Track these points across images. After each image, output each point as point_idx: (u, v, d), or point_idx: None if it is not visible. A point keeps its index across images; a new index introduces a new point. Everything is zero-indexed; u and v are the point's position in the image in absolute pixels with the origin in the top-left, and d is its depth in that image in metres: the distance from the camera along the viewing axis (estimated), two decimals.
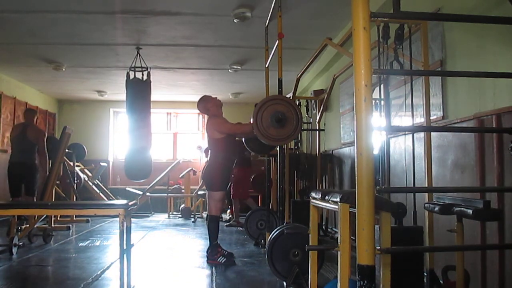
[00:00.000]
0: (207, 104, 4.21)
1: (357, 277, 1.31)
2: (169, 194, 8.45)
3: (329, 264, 3.74)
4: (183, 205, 8.47)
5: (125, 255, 2.87)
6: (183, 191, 8.62)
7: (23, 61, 6.54)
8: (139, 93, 6.00)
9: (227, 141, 4.09)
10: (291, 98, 4.27)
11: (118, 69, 6.88)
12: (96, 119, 9.92)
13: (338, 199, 1.98)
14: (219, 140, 4.08)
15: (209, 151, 4.27)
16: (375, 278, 1.31)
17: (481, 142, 2.71)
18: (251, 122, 3.71)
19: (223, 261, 4.04)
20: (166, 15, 4.70)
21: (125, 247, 2.87)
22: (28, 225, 5.03)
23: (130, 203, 3.05)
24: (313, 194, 2.42)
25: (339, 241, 1.94)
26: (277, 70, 3.84)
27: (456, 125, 2.99)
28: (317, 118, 5.49)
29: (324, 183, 5.97)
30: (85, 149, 8.43)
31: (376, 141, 3.63)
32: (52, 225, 5.78)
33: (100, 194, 7.93)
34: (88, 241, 5.37)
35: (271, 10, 4.11)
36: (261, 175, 6.49)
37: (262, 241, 4.80)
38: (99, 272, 3.74)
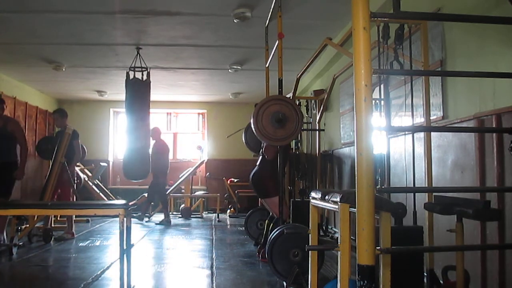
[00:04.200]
0: None
1: (357, 277, 1.31)
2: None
3: (329, 264, 3.74)
4: (183, 205, 8.47)
5: (125, 255, 2.88)
6: (183, 191, 8.62)
7: (23, 61, 6.54)
8: (138, 93, 5.99)
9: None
10: (291, 98, 4.27)
11: (118, 69, 6.87)
12: (96, 119, 9.91)
13: (338, 199, 1.98)
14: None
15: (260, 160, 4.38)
16: (375, 278, 1.31)
17: (481, 142, 2.71)
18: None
19: None
20: (166, 15, 4.70)
21: (125, 247, 2.87)
22: (28, 225, 5.03)
23: (129, 203, 3.05)
24: (313, 194, 2.42)
25: (339, 241, 1.94)
26: (277, 70, 3.84)
27: (456, 125, 2.99)
28: (317, 118, 5.49)
29: (324, 183, 5.97)
30: (85, 149, 8.44)
31: (377, 141, 3.63)
32: (52, 225, 5.78)
33: (100, 194, 7.93)
34: (88, 241, 5.37)
35: (271, 10, 4.11)
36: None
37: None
38: (99, 272, 3.74)
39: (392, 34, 2.71)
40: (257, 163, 4.38)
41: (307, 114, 6.41)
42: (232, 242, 5.52)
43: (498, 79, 2.48)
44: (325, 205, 2.26)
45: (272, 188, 4.13)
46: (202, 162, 9.14)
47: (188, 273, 3.94)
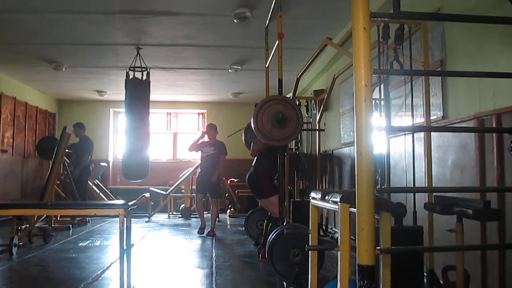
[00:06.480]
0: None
1: (357, 277, 1.31)
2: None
3: (329, 264, 3.74)
4: (183, 205, 8.47)
5: (125, 255, 2.87)
6: (183, 191, 8.62)
7: (23, 61, 6.54)
8: (138, 93, 5.98)
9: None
10: (291, 98, 4.27)
11: (118, 69, 6.87)
12: (96, 119, 9.91)
13: (338, 199, 1.98)
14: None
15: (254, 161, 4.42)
16: (375, 278, 1.31)
17: (481, 142, 2.71)
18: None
19: None
20: (166, 15, 4.70)
21: (125, 247, 2.87)
22: (28, 225, 5.03)
23: (129, 203, 3.05)
24: (313, 194, 2.42)
25: (339, 241, 1.94)
26: (277, 70, 3.84)
27: (456, 125, 2.99)
28: (317, 118, 5.48)
29: (324, 183, 5.96)
30: None
31: (377, 141, 3.63)
32: (52, 225, 5.77)
33: (100, 194, 7.93)
34: (88, 241, 5.37)
35: (271, 10, 4.11)
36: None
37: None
38: (99, 272, 3.74)
39: (392, 34, 2.71)
40: (252, 164, 4.39)
41: (307, 114, 6.41)
42: (232, 242, 5.52)
43: (498, 79, 2.47)
44: (325, 205, 2.26)
45: (269, 188, 4.14)
46: None
47: (188, 273, 3.94)
